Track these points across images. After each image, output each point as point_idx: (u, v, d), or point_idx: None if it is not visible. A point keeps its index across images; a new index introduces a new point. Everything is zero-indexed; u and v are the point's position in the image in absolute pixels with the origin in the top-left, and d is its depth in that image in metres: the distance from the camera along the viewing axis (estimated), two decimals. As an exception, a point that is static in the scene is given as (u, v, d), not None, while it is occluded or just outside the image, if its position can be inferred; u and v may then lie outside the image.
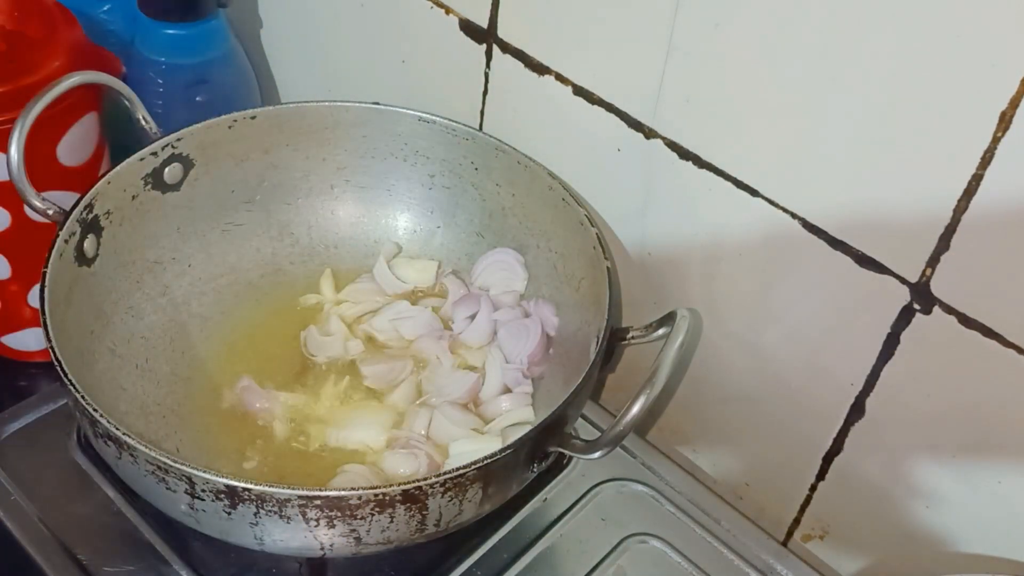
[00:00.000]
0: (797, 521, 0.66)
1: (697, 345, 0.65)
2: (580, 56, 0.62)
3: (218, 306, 0.71)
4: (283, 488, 0.48)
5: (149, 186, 0.66)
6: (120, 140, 0.73)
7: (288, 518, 0.49)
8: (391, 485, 0.49)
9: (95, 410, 0.50)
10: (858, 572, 0.65)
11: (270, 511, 0.49)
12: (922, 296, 0.53)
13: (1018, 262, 0.49)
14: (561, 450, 0.55)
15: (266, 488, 0.48)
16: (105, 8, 0.78)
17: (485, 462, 0.51)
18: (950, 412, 0.55)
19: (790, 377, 0.61)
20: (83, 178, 0.67)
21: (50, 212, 0.60)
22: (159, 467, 0.49)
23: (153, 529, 0.61)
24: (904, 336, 0.55)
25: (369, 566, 0.61)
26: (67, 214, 0.60)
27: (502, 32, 0.65)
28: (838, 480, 0.62)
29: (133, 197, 0.65)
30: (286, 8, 0.81)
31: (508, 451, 0.52)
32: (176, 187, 0.68)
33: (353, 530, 0.50)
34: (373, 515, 0.50)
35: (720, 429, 0.68)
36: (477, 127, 0.71)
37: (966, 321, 0.52)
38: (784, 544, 0.67)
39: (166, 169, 0.66)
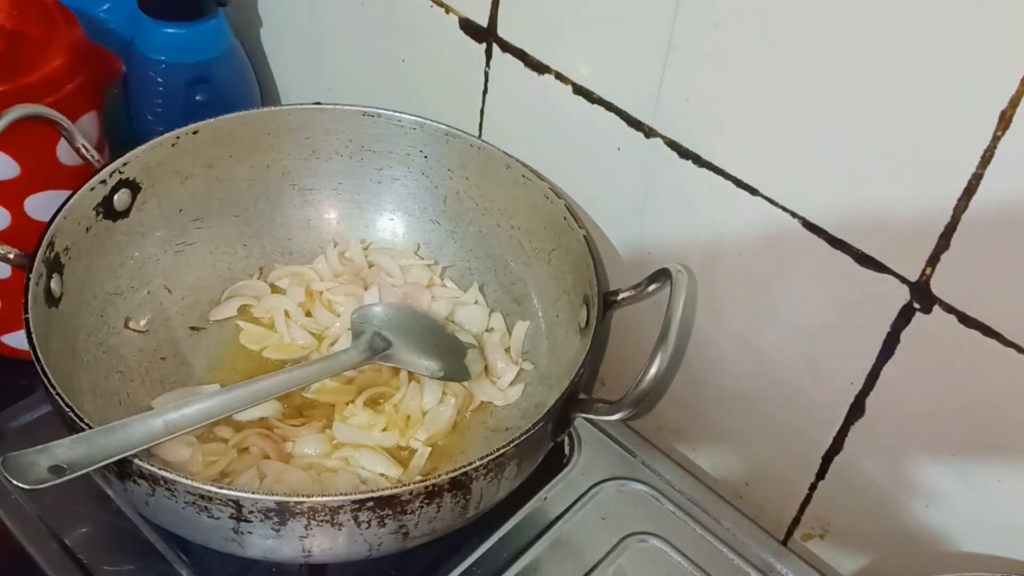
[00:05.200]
0: (797, 520, 0.66)
1: (696, 345, 0.65)
2: (580, 55, 0.62)
3: (183, 329, 0.69)
4: (335, 496, 0.48)
5: (100, 215, 0.64)
6: (120, 140, 0.73)
7: (340, 525, 0.49)
8: (440, 475, 0.49)
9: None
10: (858, 571, 0.65)
11: (321, 521, 0.49)
12: (922, 295, 0.53)
13: (1018, 261, 0.49)
14: (585, 415, 0.56)
15: (318, 499, 0.48)
16: (105, 8, 0.78)
17: (521, 438, 0.52)
18: (950, 411, 0.55)
19: (790, 377, 0.61)
20: (83, 178, 0.67)
21: (11, 256, 0.58)
22: (201, 496, 0.48)
23: (153, 529, 0.61)
24: (904, 335, 0.55)
25: (369, 566, 0.61)
26: (31, 257, 0.57)
27: (502, 31, 0.65)
28: (838, 479, 0.62)
29: (87, 229, 0.63)
30: (286, 8, 0.81)
31: (539, 424, 0.53)
32: (125, 214, 0.66)
33: (402, 526, 0.51)
34: (422, 508, 0.50)
35: (720, 428, 0.68)
36: (477, 126, 0.71)
37: (966, 320, 0.52)
38: (784, 543, 0.67)
39: (115, 196, 0.64)
